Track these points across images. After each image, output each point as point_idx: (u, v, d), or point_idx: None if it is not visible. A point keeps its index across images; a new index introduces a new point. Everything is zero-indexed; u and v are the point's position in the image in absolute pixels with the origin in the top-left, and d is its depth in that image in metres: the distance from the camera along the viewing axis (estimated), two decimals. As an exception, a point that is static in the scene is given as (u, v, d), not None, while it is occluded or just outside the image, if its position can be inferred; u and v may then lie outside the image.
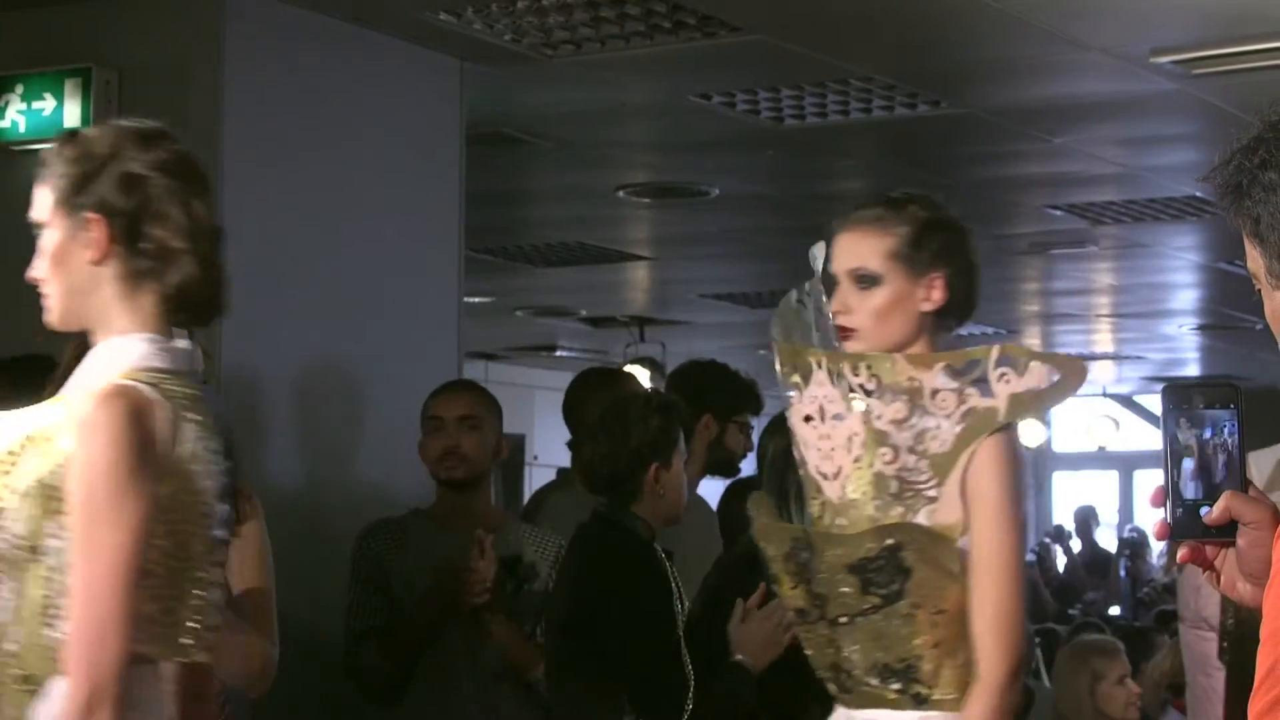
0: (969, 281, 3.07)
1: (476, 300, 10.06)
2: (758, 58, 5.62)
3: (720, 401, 5.24)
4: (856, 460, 2.97)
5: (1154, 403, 16.92)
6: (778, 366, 3.07)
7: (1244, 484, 1.81)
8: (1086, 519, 15.41)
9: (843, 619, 2.93)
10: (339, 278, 5.02)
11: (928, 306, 3.02)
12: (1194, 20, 5.28)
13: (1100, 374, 15.69)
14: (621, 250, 9.21)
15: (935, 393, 2.91)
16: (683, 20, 5.22)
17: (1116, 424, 16.68)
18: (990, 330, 12.53)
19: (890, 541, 2.89)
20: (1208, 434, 1.81)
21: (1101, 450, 16.95)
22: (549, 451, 12.17)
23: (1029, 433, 16.47)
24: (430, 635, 4.27)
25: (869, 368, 2.96)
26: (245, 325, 4.69)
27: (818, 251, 3.11)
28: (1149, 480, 16.42)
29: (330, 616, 4.43)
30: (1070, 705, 5.77)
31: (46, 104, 4.87)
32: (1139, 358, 14.19)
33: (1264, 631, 1.62)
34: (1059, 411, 17.84)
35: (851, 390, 2.96)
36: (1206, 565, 1.86)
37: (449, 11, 5.13)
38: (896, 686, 2.92)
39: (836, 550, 2.93)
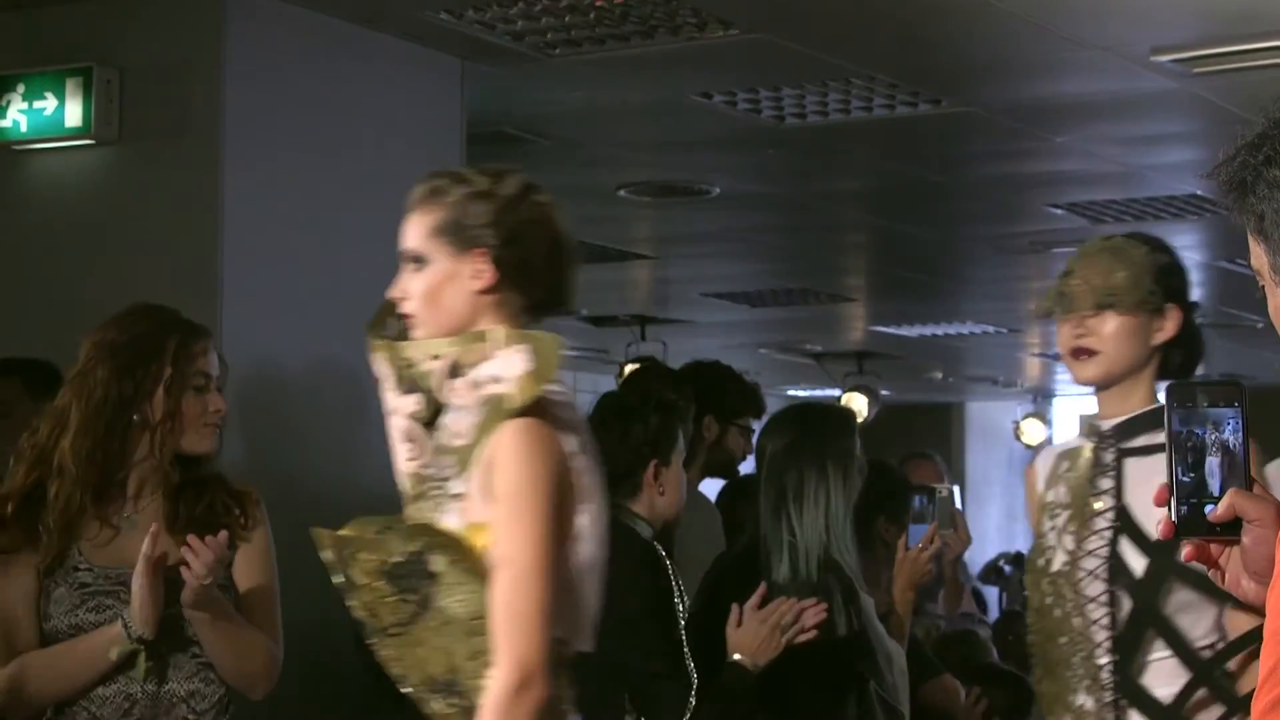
0: (530, 256, 2.80)
1: (477, 300, 10.04)
2: (758, 56, 5.61)
3: (723, 403, 5.24)
4: (408, 458, 2.77)
5: (1155, 401, 16.92)
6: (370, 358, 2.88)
7: (1248, 481, 1.81)
8: (1087, 518, 15.38)
9: (393, 630, 2.72)
10: (340, 277, 5.02)
11: (478, 285, 2.78)
12: (1195, 19, 5.28)
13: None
14: (622, 249, 9.21)
15: (449, 381, 2.71)
16: (683, 19, 5.22)
17: (1117, 423, 16.63)
18: (991, 330, 12.53)
19: (416, 545, 2.68)
20: (1212, 431, 1.81)
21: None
22: (550, 451, 12.15)
23: (1030, 431, 16.48)
24: None
25: (393, 358, 2.77)
26: (246, 324, 4.71)
27: None
28: (1150, 479, 16.36)
29: (333, 615, 4.42)
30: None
31: (48, 103, 4.88)
32: (1140, 356, 14.16)
33: (1267, 630, 1.61)
34: (1060, 410, 17.84)
35: (390, 383, 2.78)
36: (1211, 563, 1.86)
37: (449, 11, 5.13)
38: (451, 700, 2.72)
39: (368, 556, 2.71)
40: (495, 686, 2.62)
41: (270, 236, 4.83)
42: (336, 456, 5.00)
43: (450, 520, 2.69)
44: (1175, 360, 3.28)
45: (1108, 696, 3.11)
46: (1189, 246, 9.28)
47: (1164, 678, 3.10)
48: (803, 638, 3.94)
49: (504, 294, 2.79)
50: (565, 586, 2.72)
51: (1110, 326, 3.21)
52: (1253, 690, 2.98)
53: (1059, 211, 8.11)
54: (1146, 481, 3.11)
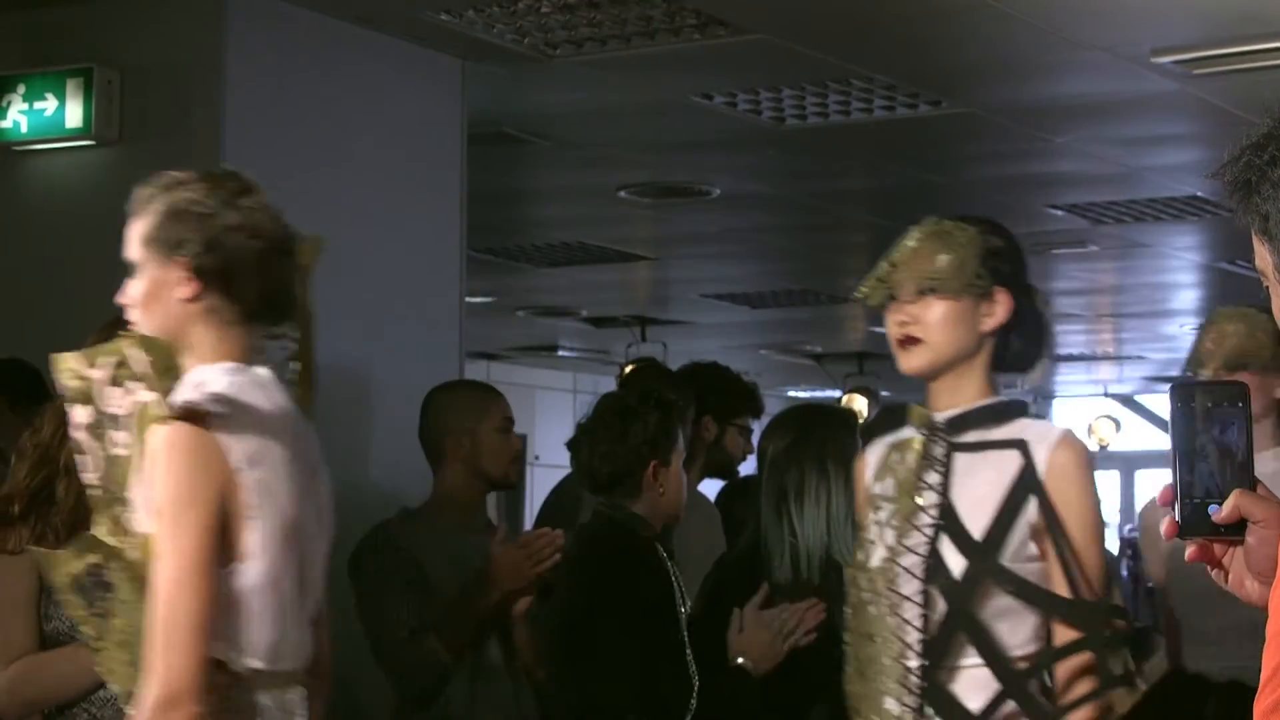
0: (234, 264, 2.73)
1: (478, 300, 10.07)
2: (759, 57, 5.62)
3: (720, 404, 5.24)
4: (87, 471, 2.73)
5: (1155, 402, 16.92)
6: None
7: (1252, 482, 1.81)
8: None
9: (94, 643, 2.69)
10: (340, 278, 5.01)
11: (183, 294, 2.72)
12: (1195, 20, 5.29)
13: (1102, 373, 15.70)
14: (622, 250, 9.22)
15: (110, 390, 2.66)
16: (683, 20, 5.22)
17: (1117, 424, 16.67)
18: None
19: (92, 558, 2.65)
20: (1215, 432, 1.81)
21: (1103, 450, 16.96)
22: (550, 451, 12.19)
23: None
24: (481, 629, 4.23)
25: (64, 369, 2.71)
26: (247, 325, 4.71)
27: None
28: (1151, 480, 16.40)
29: (337, 616, 4.41)
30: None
31: (48, 104, 4.88)
32: (1140, 358, 14.19)
33: (1270, 630, 1.61)
34: (1060, 411, 17.83)
35: (68, 396, 2.73)
36: (1215, 563, 1.85)
37: (449, 11, 5.13)
38: (131, 715, 2.64)
39: (58, 569, 2.69)
40: (144, 703, 2.56)
41: (271, 237, 4.83)
42: (337, 457, 4.97)
43: (129, 533, 2.65)
44: (1014, 347, 3.09)
45: (913, 701, 2.93)
46: (1189, 248, 9.29)
47: (974, 687, 2.93)
48: (803, 641, 3.94)
49: (211, 302, 2.73)
50: (227, 605, 2.62)
51: (934, 313, 3.01)
52: (1072, 703, 2.92)
53: (1059, 213, 8.12)
54: (973, 478, 2.99)
